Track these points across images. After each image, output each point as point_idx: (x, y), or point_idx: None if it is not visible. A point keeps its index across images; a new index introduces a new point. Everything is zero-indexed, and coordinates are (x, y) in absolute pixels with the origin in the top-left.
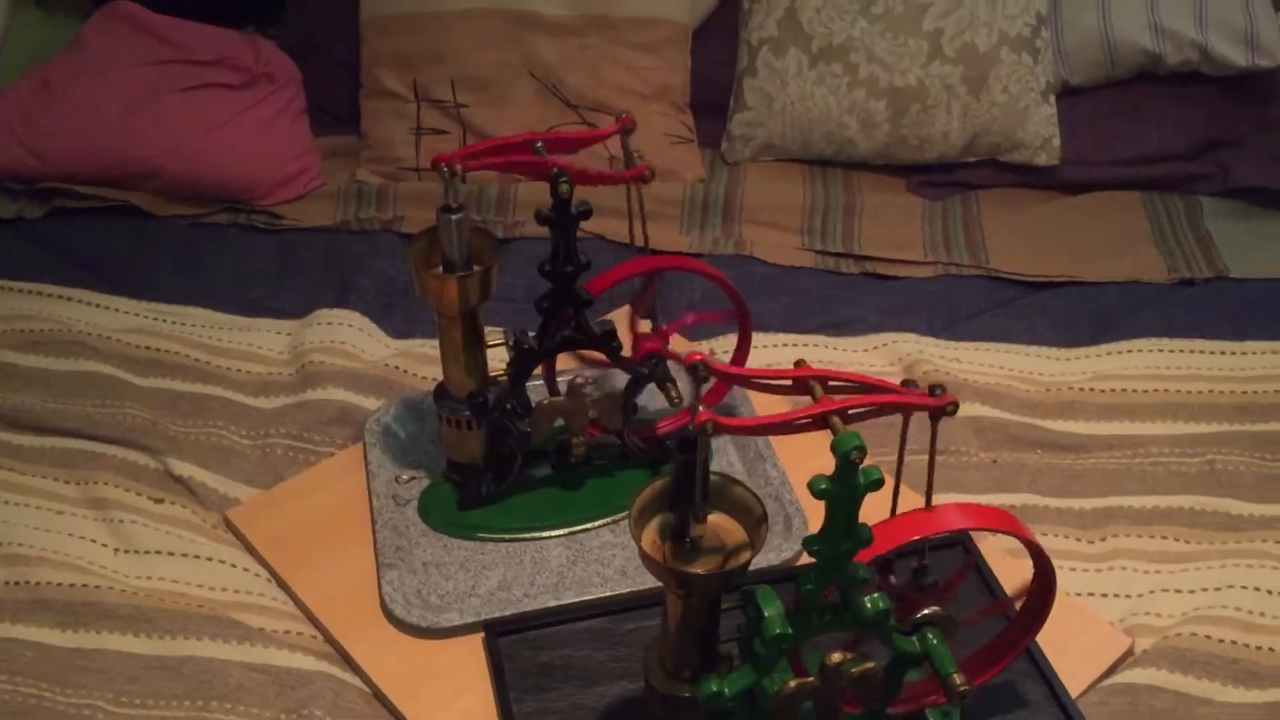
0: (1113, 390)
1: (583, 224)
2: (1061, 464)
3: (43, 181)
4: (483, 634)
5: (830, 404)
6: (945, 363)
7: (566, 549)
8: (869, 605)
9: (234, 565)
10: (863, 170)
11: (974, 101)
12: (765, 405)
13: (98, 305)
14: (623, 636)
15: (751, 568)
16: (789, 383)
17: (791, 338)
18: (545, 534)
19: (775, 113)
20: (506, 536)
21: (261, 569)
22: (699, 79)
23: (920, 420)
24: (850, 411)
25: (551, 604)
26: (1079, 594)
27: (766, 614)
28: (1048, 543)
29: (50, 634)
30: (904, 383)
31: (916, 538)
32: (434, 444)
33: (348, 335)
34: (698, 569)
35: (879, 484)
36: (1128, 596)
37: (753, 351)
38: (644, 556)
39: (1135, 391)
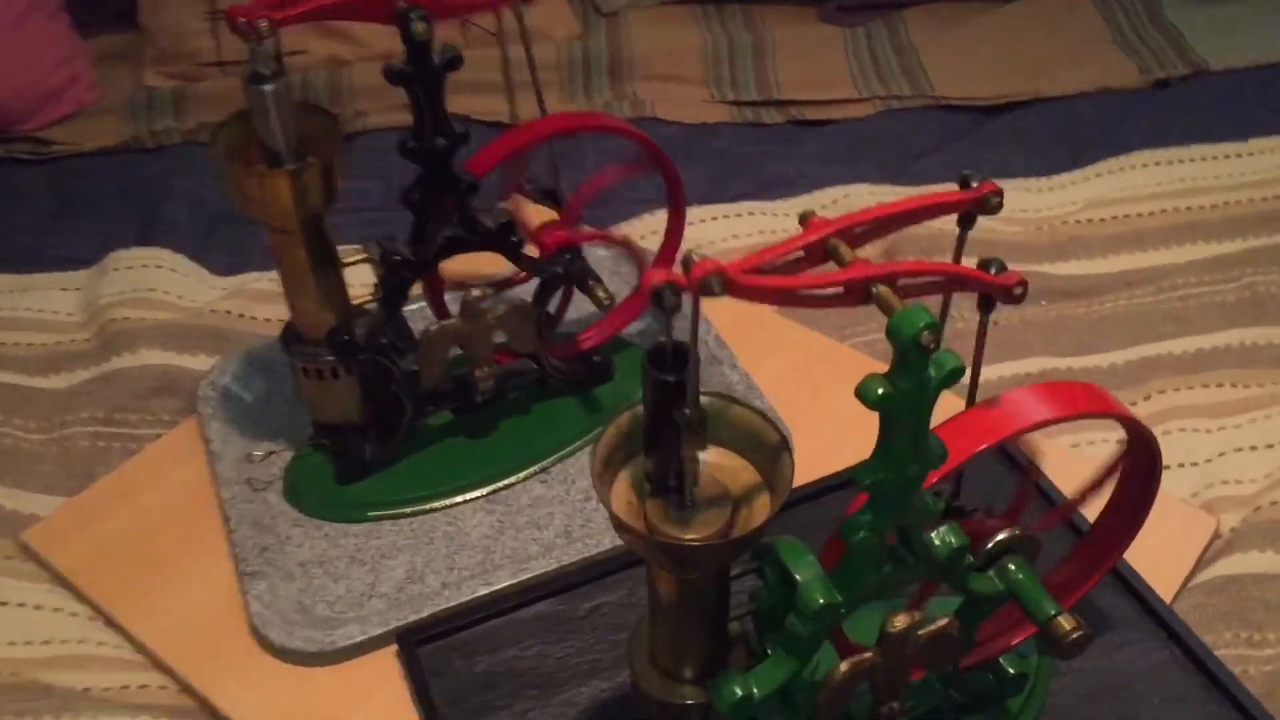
0: (1114, 218)
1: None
2: (1075, 314)
3: None
4: (395, 646)
5: (872, 268)
6: None
7: (488, 515)
8: (939, 543)
9: (39, 607)
10: (765, 3)
11: None
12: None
13: None
14: (581, 620)
15: None
16: (801, 253)
17: (717, 208)
18: (457, 499)
19: None
20: (407, 511)
21: (79, 605)
22: None
23: None
24: (900, 283)
25: (481, 592)
26: None
27: (801, 580)
28: None
29: None
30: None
31: (994, 443)
32: (290, 404)
33: (158, 279)
34: (697, 535)
35: (958, 374)
36: (1194, 464)
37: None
38: (620, 527)
39: (1140, 215)
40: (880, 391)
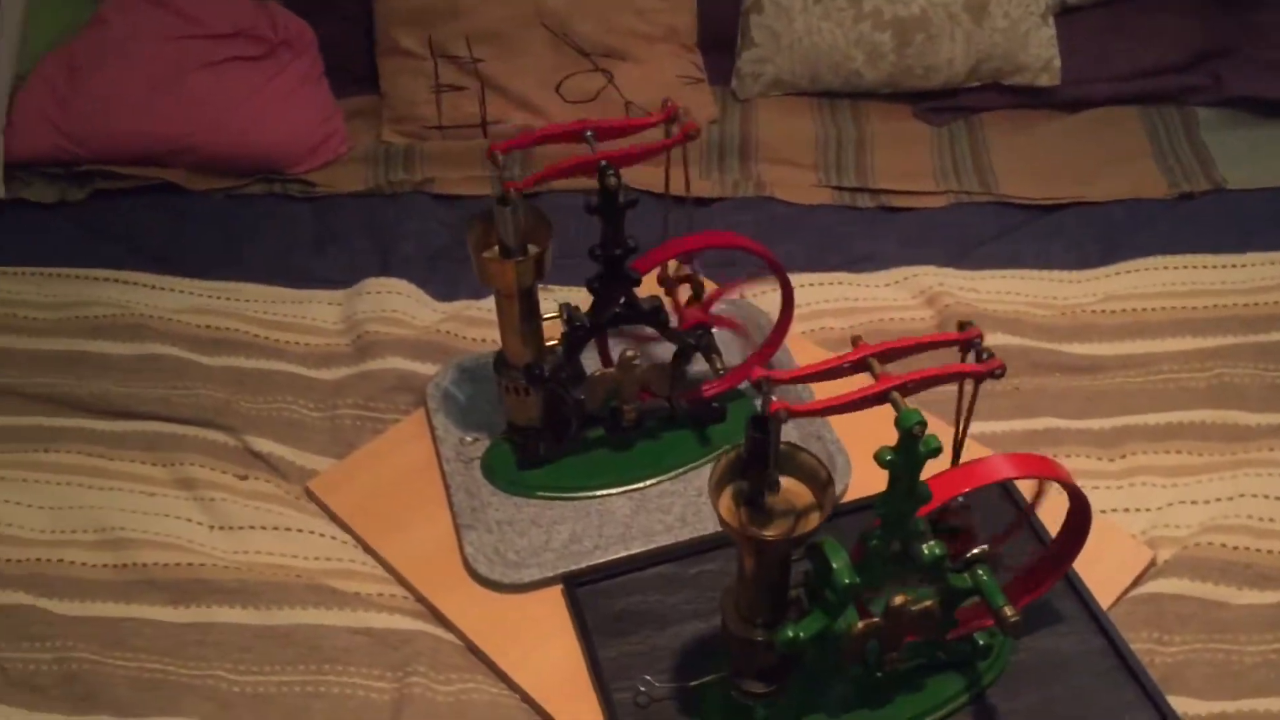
0: (1125, 310)
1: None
2: (1080, 386)
3: (81, 164)
4: (561, 586)
5: (889, 381)
6: (964, 293)
7: (629, 500)
8: (927, 553)
9: (321, 534)
10: (869, 100)
11: (976, 29)
12: (807, 353)
13: (151, 286)
14: (690, 579)
15: None
16: (850, 365)
17: (814, 277)
18: (604, 491)
19: (783, 49)
20: (566, 495)
21: (347, 536)
22: (704, 17)
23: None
24: (908, 385)
25: (621, 554)
26: (1103, 510)
27: (835, 565)
28: (1071, 464)
29: (163, 611)
30: (961, 325)
31: (969, 489)
32: (491, 405)
33: (398, 303)
34: (772, 532)
35: (938, 452)
36: (1148, 510)
37: (777, 294)
38: (723, 523)
39: (1146, 310)
40: (889, 458)
